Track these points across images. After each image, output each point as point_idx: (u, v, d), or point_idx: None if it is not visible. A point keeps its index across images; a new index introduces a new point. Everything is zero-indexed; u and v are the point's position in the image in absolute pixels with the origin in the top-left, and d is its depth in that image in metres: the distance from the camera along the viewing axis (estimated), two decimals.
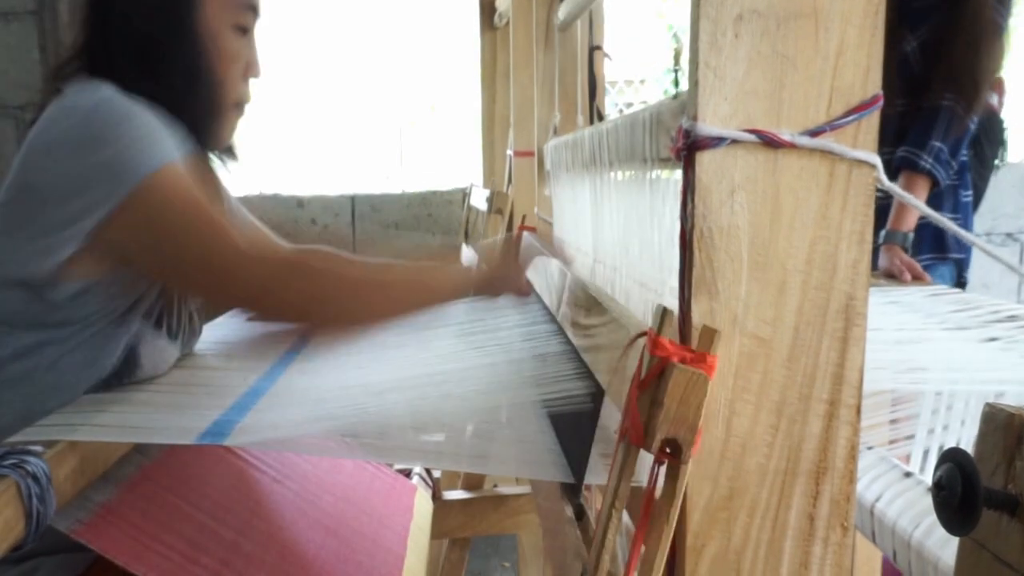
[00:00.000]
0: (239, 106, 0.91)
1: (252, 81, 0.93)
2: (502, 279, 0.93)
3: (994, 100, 1.68)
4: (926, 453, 0.66)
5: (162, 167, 0.75)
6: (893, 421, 0.68)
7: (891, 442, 0.67)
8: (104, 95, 0.78)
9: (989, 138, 1.67)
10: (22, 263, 0.77)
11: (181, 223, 0.77)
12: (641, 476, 0.49)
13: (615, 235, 0.77)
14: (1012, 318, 0.86)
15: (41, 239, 0.76)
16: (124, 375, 0.84)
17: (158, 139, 0.77)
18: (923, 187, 1.48)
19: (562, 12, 1.19)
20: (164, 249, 0.78)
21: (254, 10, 0.90)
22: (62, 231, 0.75)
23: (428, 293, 0.87)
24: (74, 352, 0.80)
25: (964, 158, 1.59)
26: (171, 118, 0.82)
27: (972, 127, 1.50)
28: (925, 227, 1.50)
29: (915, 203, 0.54)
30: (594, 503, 1.32)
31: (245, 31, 0.89)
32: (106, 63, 0.84)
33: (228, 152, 0.99)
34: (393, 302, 0.86)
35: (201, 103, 0.86)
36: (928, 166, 1.46)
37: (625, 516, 0.61)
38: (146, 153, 0.75)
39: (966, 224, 1.60)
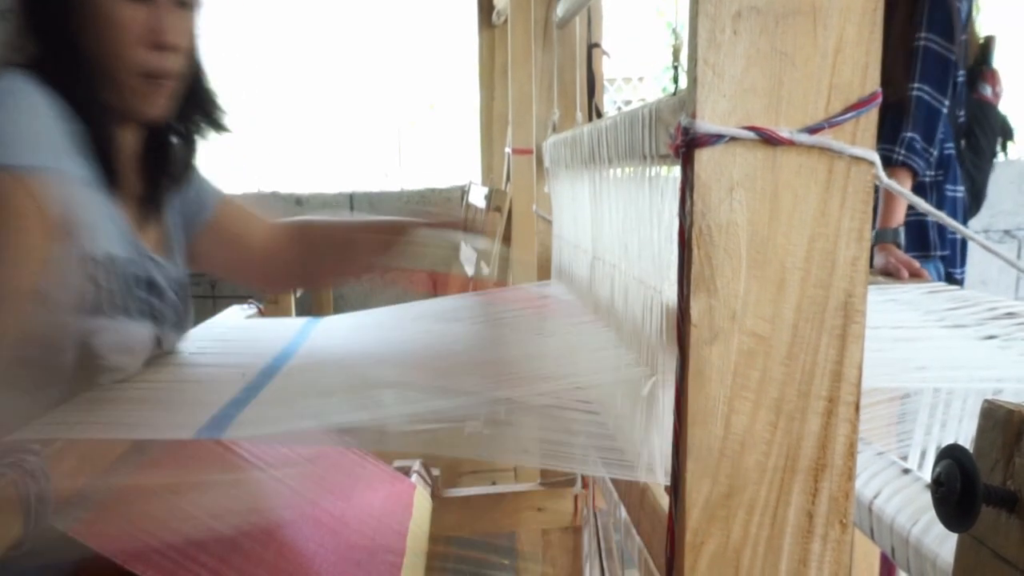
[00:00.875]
0: (148, 77, 0.87)
1: (175, 52, 0.88)
2: None
3: (987, 91, 1.68)
4: (924, 450, 0.66)
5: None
6: (891, 418, 0.68)
7: (889, 439, 0.67)
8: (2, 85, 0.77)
9: (984, 129, 1.67)
10: None
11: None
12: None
13: (614, 232, 0.77)
14: (1010, 315, 0.86)
15: None
16: (91, 370, 0.83)
17: (13, 142, 0.75)
18: (903, 179, 1.48)
19: (560, 9, 1.19)
20: None
21: None
22: None
23: None
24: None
25: (949, 151, 1.58)
26: (64, 93, 0.80)
27: (923, 96, 1.48)
28: (907, 226, 1.50)
29: (906, 194, 0.54)
30: (592, 501, 1.32)
31: None
32: (26, 50, 0.83)
33: (208, 122, 0.97)
34: None
35: (86, 73, 0.84)
36: (901, 158, 1.46)
37: (625, 513, 0.61)
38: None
39: (955, 220, 1.59)
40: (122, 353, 0.86)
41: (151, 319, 0.90)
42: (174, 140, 0.96)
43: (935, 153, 1.51)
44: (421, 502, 1.14)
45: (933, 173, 1.56)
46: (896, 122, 1.48)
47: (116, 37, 0.84)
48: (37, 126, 0.78)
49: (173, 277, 0.97)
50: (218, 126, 0.98)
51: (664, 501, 0.61)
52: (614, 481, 0.75)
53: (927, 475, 0.58)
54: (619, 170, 0.72)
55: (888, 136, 1.48)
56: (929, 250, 1.57)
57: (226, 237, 1.08)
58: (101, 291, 0.84)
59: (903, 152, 1.46)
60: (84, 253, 0.82)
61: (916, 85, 1.48)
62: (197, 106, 0.97)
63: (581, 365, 0.73)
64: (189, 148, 0.98)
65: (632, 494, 0.69)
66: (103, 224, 0.86)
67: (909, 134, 1.46)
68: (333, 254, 1.12)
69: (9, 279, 0.74)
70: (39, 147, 0.77)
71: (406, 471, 1.22)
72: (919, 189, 1.53)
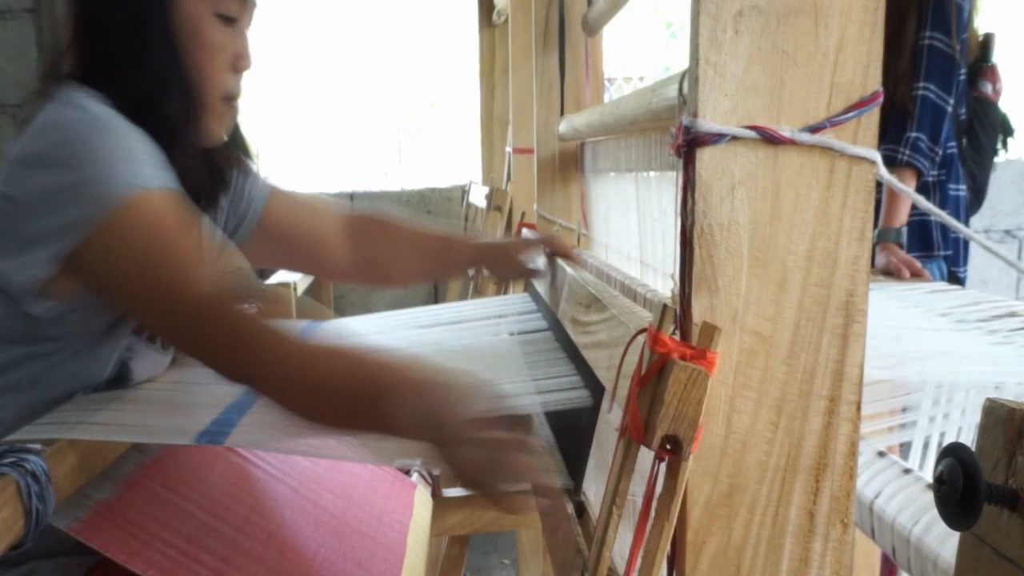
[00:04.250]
0: (229, 100, 0.88)
1: (245, 74, 0.89)
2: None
3: (987, 88, 1.67)
4: (925, 449, 0.66)
5: (135, 194, 0.72)
6: (892, 417, 0.68)
7: (890, 432, 0.67)
8: (85, 112, 0.75)
9: (984, 126, 1.67)
10: (3, 276, 0.75)
11: (145, 255, 0.73)
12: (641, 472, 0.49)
13: (657, 235, 0.75)
14: (1011, 314, 0.86)
15: (18, 254, 0.74)
16: (117, 386, 0.84)
17: (133, 163, 0.74)
18: (908, 180, 1.47)
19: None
20: (125, 281, 0.74)
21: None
22: (37, 249, 0.73)
23: (372, 416, 0.66)
24: (60, 367, 0.80)
25: (952, 150, 1.58)
26: (151, 115, 0.79)
27: (929, 95, 1.48)
28: (910, 226, 1.50)
29: (909, 193, 0.53)
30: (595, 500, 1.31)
31: (230, 20, 0.85)
32: (92, 66, 0.81)
33: (241, 149, 0.97)
34: (319, 414, 0.70)
35: (181, 96, 0.83)
36: (906, 158, 1.46)
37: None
38: (119, 178, 0.72)
39: (958, 219, 1.59)
40: (147, 376, 0.87)
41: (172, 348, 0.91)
42: (218, 162, 0.95)
43: (940, 153, 1.51)
44: (421, 501, 1.14)
45: (936, 172, 1.55)
46: (897, 123, 1.48)
47: (210, 60, 0.84)
48: (134, 148, 0.76)
49: None
50: (246, 150, 0.99)
51: None
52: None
53: (928, 475, 0.58)
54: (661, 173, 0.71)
55: (893, 136, 1.48)
56: (932, 250, 1.57)
57: (283, 231, 1.07)
58: None
59: (908, 152, 1.45)
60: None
61: (921, 84, 1.47)
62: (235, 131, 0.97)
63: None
64: (228, 171, 0.98)
65: None
66: None
67: (914, 134, 1.46)
68: (401, 258, 1.10)
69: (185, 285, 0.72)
70: (151, 166, 0.76)
71: (407, 470, 1.22)
72: (922, 189, 1.53)
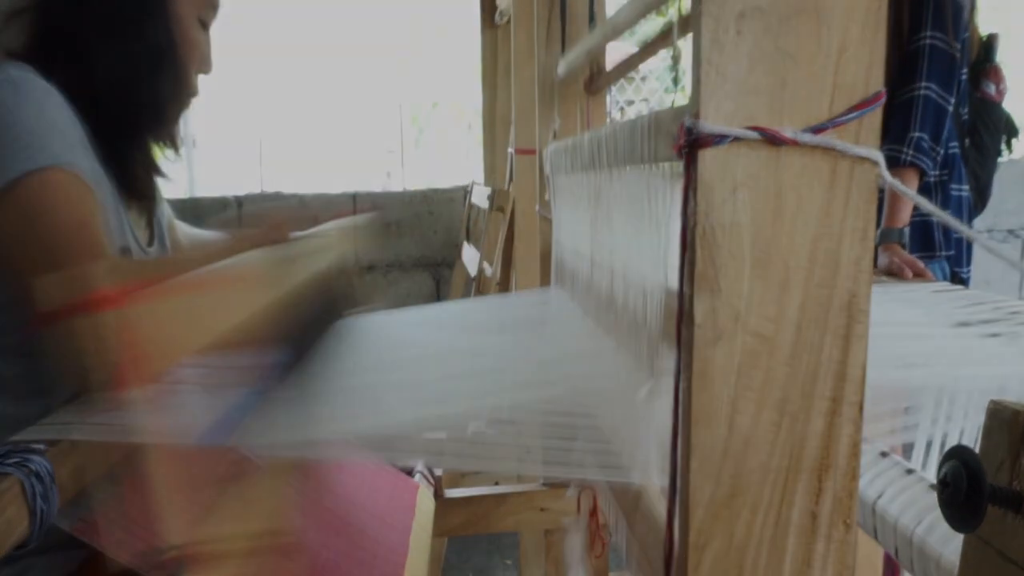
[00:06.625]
0: (191, 96, 0.93)
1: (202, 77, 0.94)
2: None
3: (991, 89, 1.67)
4: (928, 449, 0.66)
5: (47, 167, 0.74)
6: (895, 417, 0.68)
7: (891, 433, 0.67)
8: (10, 75, 0.77)
9: (988, 126, 1.66)
10: None
11: (52, 230, 0.74)
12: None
13: (615, 236, 0.76)
14: (1014, 314, 0.86)
15: None
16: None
17: (53, 137, 0.76)
18: (911, 180, 1.47)
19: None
20: (20, 244, 0.76)
21: (215, 8, 0.93)
22: None
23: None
24: (35, 360, 0.81)
25: (954, 150, 1.58)
26: (130, 101, 0.83)
27: (930, 95, 1.47)
28: (912, 226, 1.50)
29: (911, 195, 0.53)
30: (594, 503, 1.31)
31: (205, 26, 0.92)
32: (48, 45, 0.83)
33: (171, 144, 0.99)
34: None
35: (166, 87, 0.88)
36: (910, 158, 1.45)
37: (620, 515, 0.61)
38: (34, 148, 0.74)
39: (960, 220, 1.58)
40: None
41: None
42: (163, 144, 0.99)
43: (942, 152, 1.50)
44: (424, 502, 1.15)
45: (938, 173, 1.55)
46: (901, 122, 1.47)
47: (190, 57, 0.90)
48: (52, 121, 0.78)
49: None
50: (175, 147, 1.01)
51: (659, 503, 0.62)
52: (608, 482, 0.76)
53: (930, 475, 0.58)
54: (620, 173, 0.72)
55: (895, 136, 1.47)
56: (934, 250, 1.57)
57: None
58: None
59: (911, 152, 1.45)
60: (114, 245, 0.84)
61: (923, 84, 1.47)
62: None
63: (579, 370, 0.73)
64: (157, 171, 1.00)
65: (627, 496, 0.69)
66: (115, 218, 0.87)
67: (917, 134, 1.45)
68: None
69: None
70: (60, 143, 0.77)
71: (409, 471, 1.23)
72: (924, 189, 1.53)
